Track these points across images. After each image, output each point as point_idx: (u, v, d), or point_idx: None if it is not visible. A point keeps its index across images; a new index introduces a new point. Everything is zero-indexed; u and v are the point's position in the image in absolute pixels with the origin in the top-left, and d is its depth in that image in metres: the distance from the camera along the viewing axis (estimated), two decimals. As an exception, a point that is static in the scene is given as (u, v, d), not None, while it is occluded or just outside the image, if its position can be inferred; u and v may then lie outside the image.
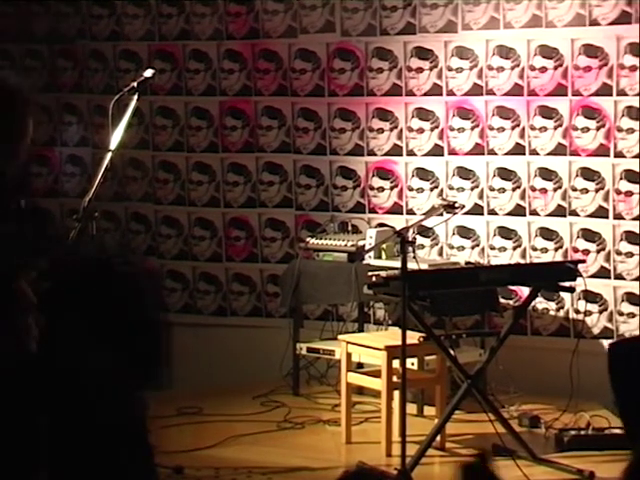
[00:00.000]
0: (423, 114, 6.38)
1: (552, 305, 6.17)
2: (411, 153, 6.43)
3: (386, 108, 6.46)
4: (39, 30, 7.14)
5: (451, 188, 6.35)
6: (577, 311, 6.07)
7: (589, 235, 6.07)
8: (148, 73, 5.23)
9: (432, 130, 6.37)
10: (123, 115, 5.09)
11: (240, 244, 6.78)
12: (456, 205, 5.02)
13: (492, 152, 6.26)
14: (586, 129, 6.04)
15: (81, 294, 2.54)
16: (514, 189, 6.23)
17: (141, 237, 6.96)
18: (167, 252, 6.87)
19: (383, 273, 5.03)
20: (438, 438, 5.13)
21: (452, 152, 6.34)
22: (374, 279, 4.95)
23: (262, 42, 6.70)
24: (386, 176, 6.50)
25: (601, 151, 6.01)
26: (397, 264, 5.02)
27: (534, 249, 6.19)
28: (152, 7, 6.89)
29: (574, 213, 6.10)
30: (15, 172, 3.02)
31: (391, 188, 6.49)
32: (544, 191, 6.16)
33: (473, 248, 6.31)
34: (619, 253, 6.00)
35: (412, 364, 5.46)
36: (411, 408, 5.52)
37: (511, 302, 6.14)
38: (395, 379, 5.14)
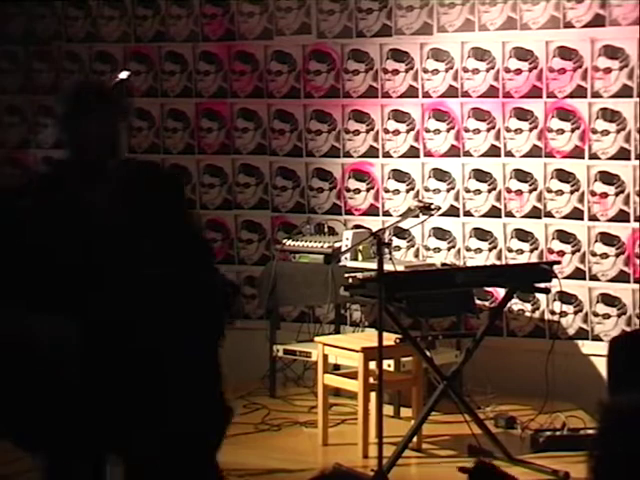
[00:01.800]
0: (399, 116, 6.40)
1: (528, 306, 6.19)
2: (387, 155, 6.44)
3: (362, 110, 6.47)
4: (14, 31, 7.11)
5: (427, 190, 6.37)
6: (552, 312, 6.10)
7: (564, 236, 6.10)
8: (124, 75, 5.19)
9: (408, 132, 6.38)
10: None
11: (216, 246, 6.77)
12: (432, 207, 5.03)
13: (468, 154, 6.28)
14: (561, 131, 6.07)
15: None
16: (490, 191, 6.25)
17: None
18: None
19: (359, 275, 5.04)
20: (415, 439, 5.14)
21: (428, 154, 6.36)
22: (350, 281, 4.96)
23: (238, 44, 6.69)
24: (362, 178, 6.51)
25: (576, 153, 6.04)
26: (373, 266, 5.03)
27: (510, 250, 6.22)
28: (127, 9, 6.87)
29: (549, 215, 6.13)
30: None
31: (367, 190, 6.50)
32: (519, 193, 6.19)
33: (449, 249, 6.33)
34: (594, 254, 6.03)
35: (388, 366, 5.46)
36: (388, 409, 5.53)
37: (487, 303, 6.16)
38: (371, 381, 5.15)
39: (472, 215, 6.30)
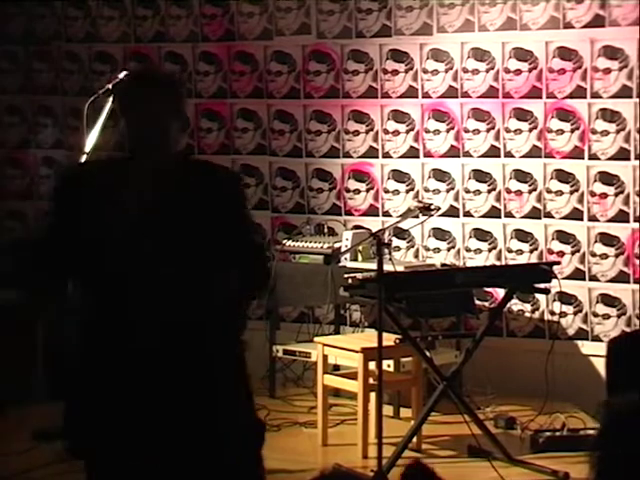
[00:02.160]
0: (399, 116, 6.40)
1: (527, 307, 6.19)
2: (387, 155, 6.44)
3: (362, 110, 6.48)
4: (14, 31, 7.11)
5: (427, 190, 6.37)
6: (552, 312, 6.10)
7: (564, 237, 6.10)
8: (123, 75, 5.22)
9: (408, 132, 6.38)
10: (98, 117, 5.08)
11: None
12: (432, 207, 5.03)
13: (467, 154, 6.28)
14: (560, 131, 6.07)
15: None
16: (489, 191, 6.25)
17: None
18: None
19: (359, 275, 5.04)
20: (414, 440, 5.14)
21: (428, 154, 6.36)
22: (350, 281, 4.96)
23: (237, 44, 6.70)
24: (362, 178, 6.51)
25: (576, 153, 6.04)
26: (373, 266, 5.03)
27: (509, 251, 6.22)
28: (127, 9, 6.88)
29: (549, 215, 6.13)
30: None
31: (367, 190, 6.50)
32: (519, 193, 6.19)
33: (449, 250, 6.33)
34: (594, 255, 6.03)
35: (388, 366, 5.46)
36: (387, 410, 5.53)
37: (487, 304, 6.16)
38: (371, 381, 5.14)
39: (472, 215, 6.30)
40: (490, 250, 6.26)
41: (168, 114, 3.13)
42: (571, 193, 6.07)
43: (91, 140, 5.07)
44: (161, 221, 3.09)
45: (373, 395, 5.12)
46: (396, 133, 6.41)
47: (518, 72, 6.14)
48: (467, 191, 6.29)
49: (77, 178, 3.24)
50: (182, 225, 3.09)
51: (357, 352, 5.21)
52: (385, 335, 4.74)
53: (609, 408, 2.12)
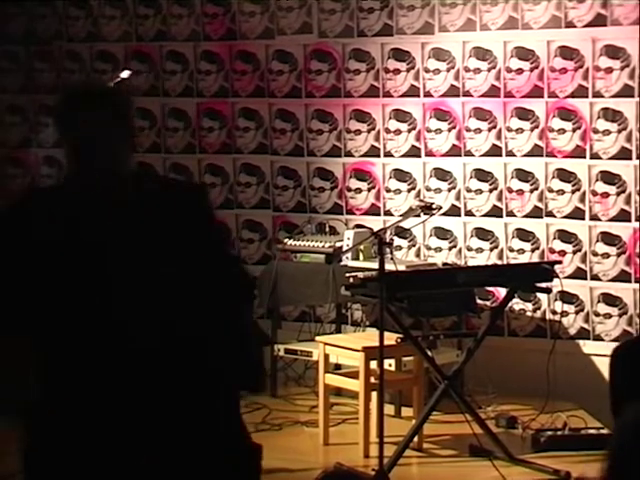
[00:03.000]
0: (400, 115, 6.40)
1: (529, 306, 6.19)
2: (388, 154, 6.44)
3: (363, 109, 6.48)
4: (15, 31, 7.12)
5: (428, 189, 6.37)
6: (554, 312, 6.10)
7: (565, 236, 6.10)
8: (125, 74, 5.20)
9: (409, 131, 6.38)
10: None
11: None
12: (433, 206, 5.03)
13: (469, 153, 6.28)
14: (562, 131, 6.07)
15: None
16: (491, 190, 6.25)
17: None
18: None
19: (360, 274, 5.04)
20: (416, 439, 5.14)
21: (429, 153, 6.36)
22: (352, 280, 4.96)
23: (239, 43, 6.70)
24: (363, 177, 6.51)
25: (577, 152, 6.04)
26: (375, 265, 5.03)
27: (511, 250, 6.22)
28: (129, 8, 6.88)
29: (550, 214, 6.13)
30: None
31: (368, 189, 6.50)
32: (521, 192, 6.19)
33: (450, 249, 6.33)
34: (595, 254, 6.03)
35: (390, 365, 5.46)
36: (389, 409, 5.53)
37: (488, 303, 6.16)
38: (373, 380, 5.14)
39: (473, 215, 6.29)
40: (492, 249, 6.25)
41: (107, 135, 2.88)
42: (573, 192, 6.06)
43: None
44: (116, 251, 2.87)
45: (374, 394, 5.11)
46: (398, 132, 6.41)
47: (520, 71, 6.13)
48: (468, 190, 6.29)
49: (19, 219, 2.93)
50: (141, 251, 2.89)
51: (358, 351, 5.21)
52: (386, 334, 4.74)
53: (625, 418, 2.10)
